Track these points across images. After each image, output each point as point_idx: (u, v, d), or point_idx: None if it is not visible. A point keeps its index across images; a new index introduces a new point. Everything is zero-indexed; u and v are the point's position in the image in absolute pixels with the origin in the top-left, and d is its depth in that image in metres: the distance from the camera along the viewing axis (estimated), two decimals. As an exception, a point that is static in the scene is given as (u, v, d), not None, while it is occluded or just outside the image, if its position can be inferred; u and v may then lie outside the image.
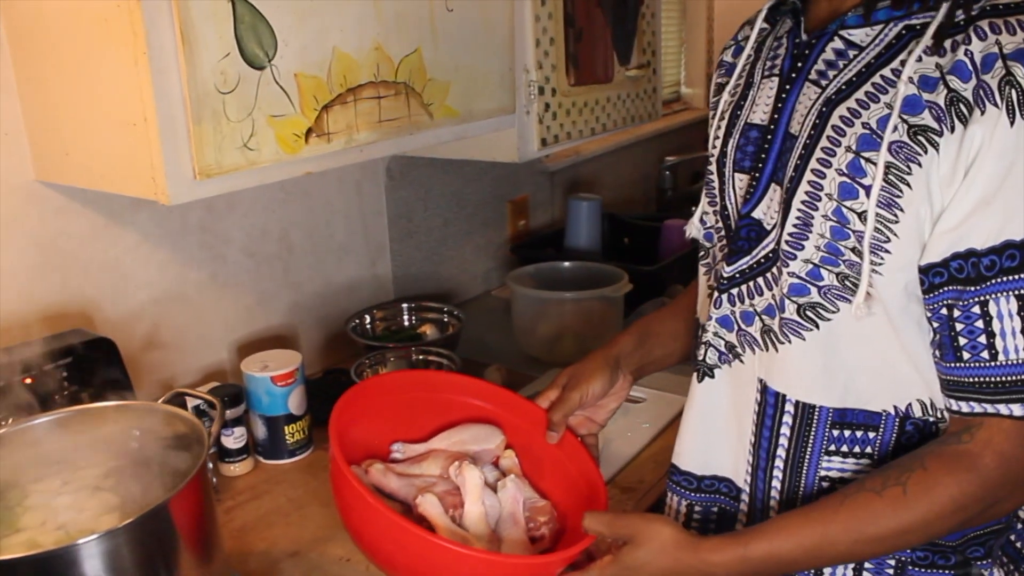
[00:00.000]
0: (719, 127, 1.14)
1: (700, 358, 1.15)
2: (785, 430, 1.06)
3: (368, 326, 1.87)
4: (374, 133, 1.38)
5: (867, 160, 0.93)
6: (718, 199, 1.13)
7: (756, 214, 1.05)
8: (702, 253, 1.21)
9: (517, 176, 2.37)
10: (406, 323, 1.92)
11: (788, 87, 1.03)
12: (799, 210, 0.98)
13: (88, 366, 1.23)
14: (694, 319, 1.31)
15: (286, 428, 1.48)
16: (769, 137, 1.05)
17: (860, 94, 0.95)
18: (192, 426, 1.05)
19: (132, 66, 1.11)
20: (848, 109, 0.95)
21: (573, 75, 1.81)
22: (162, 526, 0.92)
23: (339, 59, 1.30)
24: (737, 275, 1.08)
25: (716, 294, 1.11)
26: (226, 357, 1.69)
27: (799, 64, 1.03)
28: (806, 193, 0.97)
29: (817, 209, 0.97)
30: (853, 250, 0.95)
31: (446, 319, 1.90)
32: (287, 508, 1.38)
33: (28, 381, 1.18)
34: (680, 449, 1.20)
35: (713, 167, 1.14)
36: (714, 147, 1.14)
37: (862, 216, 0.93)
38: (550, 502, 1.26)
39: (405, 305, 1.93)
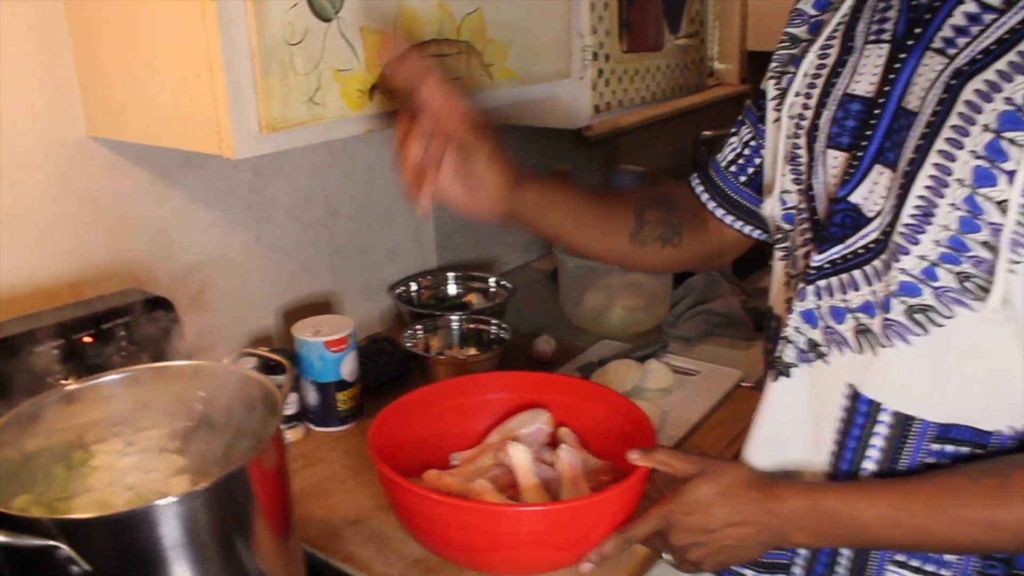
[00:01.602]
0: (808, 95, 1.03)
1: (776, 355, 1.04)
2: (877, 441, 0.97)
3: (414, 293, 1.83)
4: (436, 92, 1.33)
5: (1011, 141, 0.81)
6: (805, 177, 1.03)
7: (854, 198, 0.94)
8: (779, 236, 1.10)
9: (557, 146, 2.33)
10: (451, 292, 1.88)
11: (902, 55, 0.92)
12: (921, 197, 0.87)
13: (146, 325, 1.20)
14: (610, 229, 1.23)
15: (338, 395, 1.45)
16: (876, 112, 0.93)
17: (1002, 64, 0.83)
18: (262, 387, 1.01)
19: (198, 16, 1.06)
20: (986, 82, 0.83)
21: (626, 41, 1.76)
22: (241, 489, 0.88)
23: (404, 14, 1.25)
24: (827, 265, 0.97)
25: (801, 285, 1.00)
26: (271, 323, 1.66)
27: (916, 30, 0.91)
28: (930, 178, 0.86)
29: (943, 197, 0.85)
30: (985, 244, 0.84)
31: (492, 288, 1.86)
32: (343, 475, 1.34)
33: (87, 340, 1.14)
34: (749, 448, 1.10)
35: (802, 140, 1.03)
36: (802, 118, 1.03)
37: (1002, 206, 0.82)
38: (611, 461, 1.23)
39: (451, 274, 1.88)
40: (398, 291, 1.80)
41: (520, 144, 2.19)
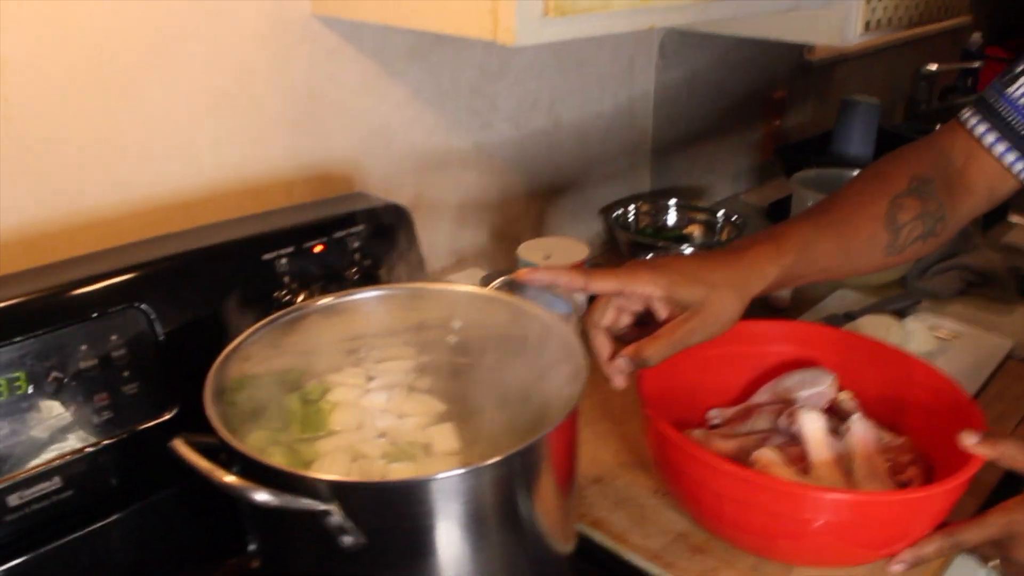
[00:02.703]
0: None
1: None
2: None
3: (631, 219, 1.60)
4: (723, -13, 1.09)
5: None
6: None
7: None
8: None
9: (775, 70, 2.05)
10: (671, 221, 1.64)
11: None
12: None
13: (380, 237, 1.00)
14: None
15: (566, 328, 1.24)
16: None
17: None
18: (542, 324, 0.80)
19: None
20: None
21: (903, -52, 1.48)
22: (535, 459, 0.68)
23: None
24: None
25: None
26: (485, 240, 1.45)
27: None
28: None
29: None
30: None
31: (719, 222, 1.61)
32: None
33: (317, 250, 0.95)
34: None
35: None
36: None
37: None
38: (909, 438, 1.01)
39: (672, 201, 1.64)
40: (615, 214, 1.57)
41: (741, 64, 1.92)
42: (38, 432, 0.76)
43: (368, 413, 0.80)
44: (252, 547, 0.75)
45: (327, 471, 0.72)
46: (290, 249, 0.93)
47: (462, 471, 0.62)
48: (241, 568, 0.84)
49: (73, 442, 0.78)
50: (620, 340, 0.89)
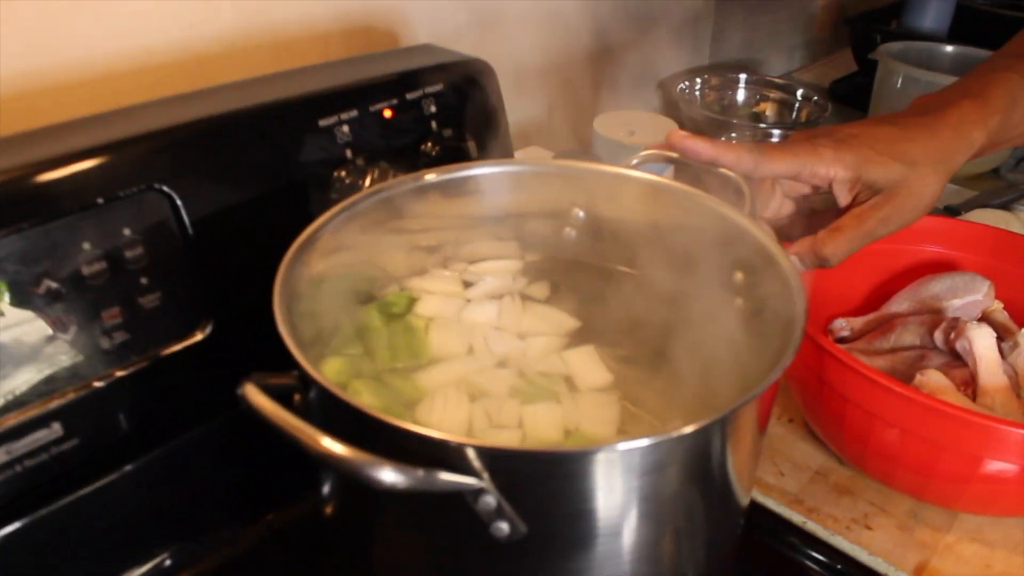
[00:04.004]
0: None
1: None
2: None
3: (696, 93, 1.35)
4: None
5: None
6: None
7: None
8: None
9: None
10: (740, 98, 1.39)
11: None
12: None
13: (459, 101, 0.76)
14: None
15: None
16: None
17: None
18: (724, 221, 0.58)
19: None
20: None
21: None
22: (748, 410, 0.46)
23: None
24: None
25: None
26: (540, 113, 1.21)
27: None
28: None
29: None
30: None
31: (796, 102, 1.36)
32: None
33: (387, 114, 0.71)
34: None
35: None
36: None
37: None
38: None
39: (743, 76, 1.39)
40: (680, 87, 1.32)
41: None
42: (26, 363, 0.53)
43: (477, 332, 0.58)
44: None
45: (442, 418, 0.50)
46: (353, 113, 0.68)
47: (700, 425, 0.41)
48: (305, 517, 0.64)
49: (75, 375, 0.55)
50: (781, 234, 0.68)
